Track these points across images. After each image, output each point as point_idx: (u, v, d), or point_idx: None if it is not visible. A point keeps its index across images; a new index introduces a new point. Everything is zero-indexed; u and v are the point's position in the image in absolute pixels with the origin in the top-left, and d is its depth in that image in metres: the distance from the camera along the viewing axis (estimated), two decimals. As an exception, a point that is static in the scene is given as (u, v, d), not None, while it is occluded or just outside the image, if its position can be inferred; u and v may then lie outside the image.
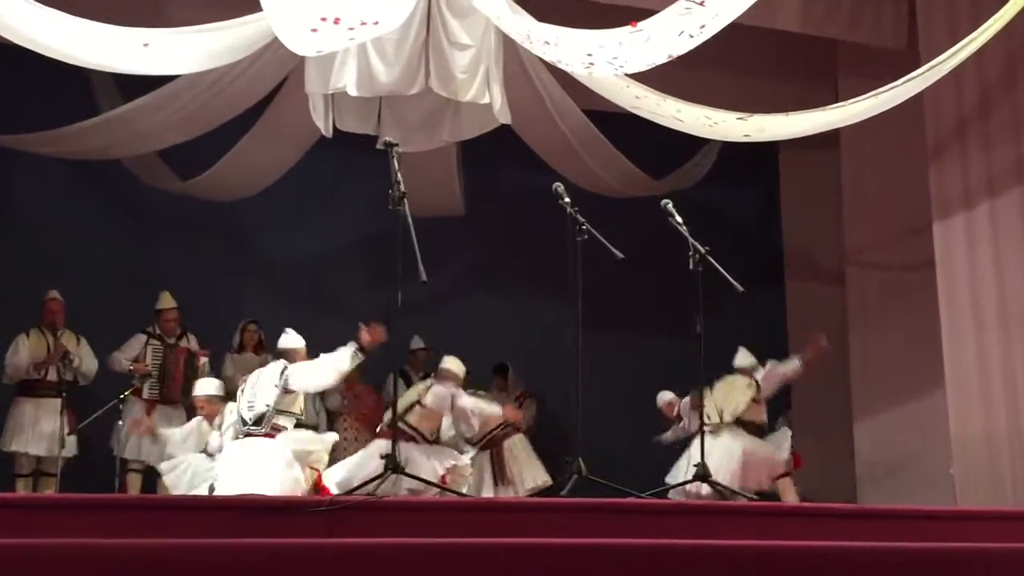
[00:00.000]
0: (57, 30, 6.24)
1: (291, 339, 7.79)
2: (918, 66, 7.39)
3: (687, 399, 8.82)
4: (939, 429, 8.18)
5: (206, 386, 7.97)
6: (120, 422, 8.46)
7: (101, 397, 8.43)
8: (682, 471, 8.52)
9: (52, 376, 8.36)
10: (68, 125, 8.60)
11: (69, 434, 8.17)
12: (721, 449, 8.53)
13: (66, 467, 8.16)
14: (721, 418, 8.77)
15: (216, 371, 8.90)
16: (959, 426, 7.95)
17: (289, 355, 7.62)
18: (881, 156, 9.38)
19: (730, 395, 8.88)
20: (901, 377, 9.01)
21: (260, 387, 7.29)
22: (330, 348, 8.74)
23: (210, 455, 7.45)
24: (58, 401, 8.13)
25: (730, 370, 9.04)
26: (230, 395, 7.79)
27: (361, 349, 7.04)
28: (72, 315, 8.74)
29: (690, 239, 6.74)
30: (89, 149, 8.87)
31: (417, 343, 9.77)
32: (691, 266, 6.69)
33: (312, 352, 7.71)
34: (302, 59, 7.40)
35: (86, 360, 8.54)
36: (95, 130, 8.64)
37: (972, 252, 8.09)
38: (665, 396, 9.13)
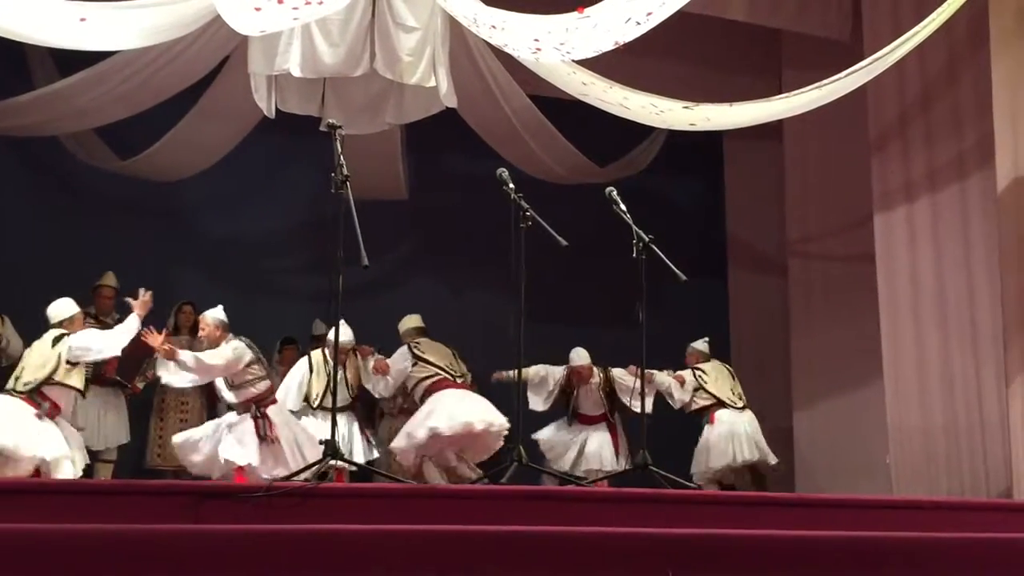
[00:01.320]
0: (-10, 2, 6.09)
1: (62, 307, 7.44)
2: (862, 59, 7.44)
3: (671, 374, 9.03)
4: (877, 419, 8.27)
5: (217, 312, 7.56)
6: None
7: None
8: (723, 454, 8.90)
9: None
10: (2, 100, 8.40)
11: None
12: (752, 424, 9.04)
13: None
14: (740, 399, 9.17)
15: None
16: (896, 417, 8.05)
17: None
18: (824, 148, 9.46)
19: (734, 382, 9.26)
20: (840, 368, 9.10)
21: None
22: (269, 331, 8.69)
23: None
24: None
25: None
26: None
27: None
28: (8, 296, 8.55)
29: (634, 227, 6.74)
30: (24, 125, 8.68)
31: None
32: (634, 254, 6.69)
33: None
34: (245, 38, 7.28)
35: (12, 341, 8.34)
36: (30, 105, 8.45)
37: (912, 245, 8.18)
38: (584, 356, 9.14)
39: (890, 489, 7.94)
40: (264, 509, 4.71)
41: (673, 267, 6.73)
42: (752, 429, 9.03)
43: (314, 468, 5.74)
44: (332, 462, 5.76)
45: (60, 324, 7.25)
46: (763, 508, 5.80)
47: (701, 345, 9.40)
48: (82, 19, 6.36)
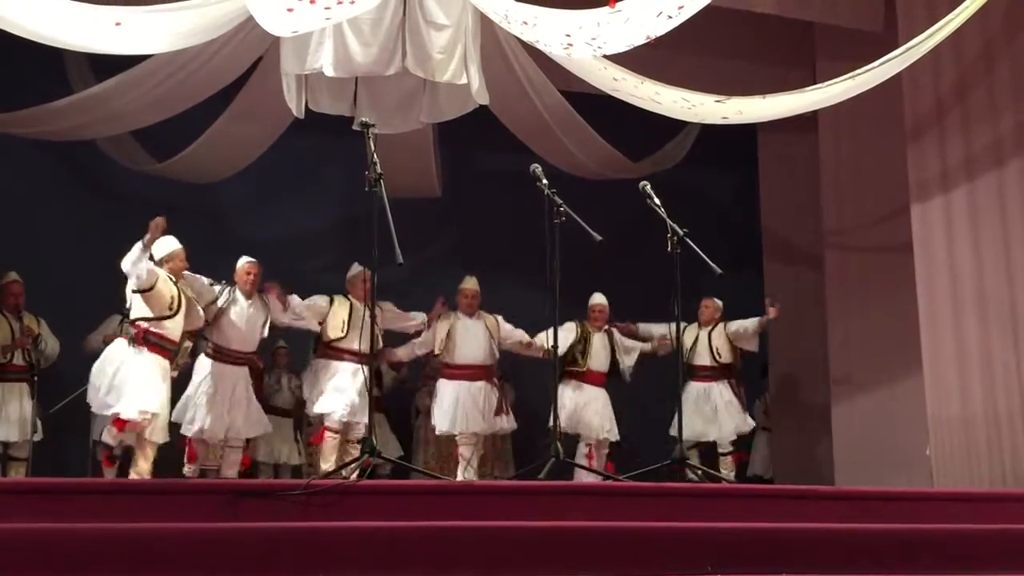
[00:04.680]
0: (27, 8, 6.14)
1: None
2: (896, 49, 7.37)
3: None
4: (916, 411, 8.20)
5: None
6: (93, 407, 8.37)
7: (68, 381, 8.33)
8: None
9: (18, 360, 8.22)
10: (40, 105, 8.49)
11: (43, 418, 8.10)
12: None
13: (32, 452, 8.08)
14: None
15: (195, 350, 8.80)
16: (936, 408, 7.96)
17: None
18: (859, 139, 9.38)
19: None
20: (879, 359, 9.03)
21: None
22: (304, 330, 8.72)
23: None
24: (24, 385, 8.04)
25: None
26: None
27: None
28: (48, 298, 8.65)
29: (668, 221, 6.73)
30: (62, 129, 8.77)
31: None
32: (669, 248, 6.68)
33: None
34: (278, 39, 7.32)
35: (49, 342, 8.44)
36: (68, 110, 8.54)
37: (950, 234, 8.09)
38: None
39: (931, 481, 7.87)
40: (302, 506, 4.74)
41: (708, 260, 6.72)
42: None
43: (353, 465, 5.78)
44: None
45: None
46: (803, 502, 5.77)
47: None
48: (117, 23, 6.42)
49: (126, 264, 7.30)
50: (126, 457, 7.97)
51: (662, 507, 5.30)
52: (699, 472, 7.42)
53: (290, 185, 10.46)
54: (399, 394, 10.09)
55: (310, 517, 4.71)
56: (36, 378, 8.06)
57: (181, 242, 9.64)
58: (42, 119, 8.59)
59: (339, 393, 8.15)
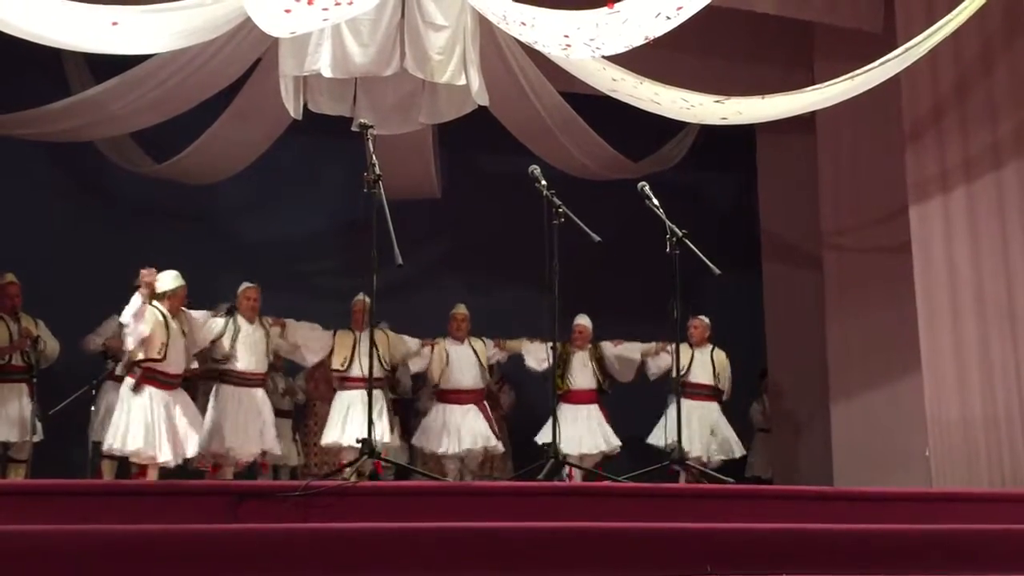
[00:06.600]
0: (23, 8, 6.13)
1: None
2: (894, 50, 7.38)
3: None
4: (915, 412, 8.20)
5: None
6: (93, 407, 8.38)
7: (67, 382, 8.33)
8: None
9: (17, 361, 8.21)
10: (38, 107, 8.48)
11: (43, 419, 8.09)
12: None
13: (32, 453, 8.08)
14: None
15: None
16: (935, 409, 7.97)
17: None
18: (858, 140, 9.38)
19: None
20: (878, 360, 9.02)
21: None
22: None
23: None
24: (23, 386, 8.04)
25: None
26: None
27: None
28: (44, 300, 8.64)
29: (667, 222, 6.74)
30: (60, 131, 8.76)
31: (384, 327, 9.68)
32: (668, 249, 6.68)
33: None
34: (276, 40, 7.31)
35: (49, 343, 8.44)
36: (66, 112, 8.53)
37: (948, 235, 8.10)
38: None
39: (929, 482, 7.87)
40: (302, 508, 4.74)
41: (707, 261, 6.72)
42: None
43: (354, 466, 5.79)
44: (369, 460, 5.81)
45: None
46: (802, 502, 5.78)
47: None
48: (114, 23, 6.40)
49: (126, 316, 7.52)
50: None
51: (661, 508, 5.31)
52: (698, 473, 7.42)
53: (289, 187, 10.46)
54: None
55: (310, 518, 4.71)
56: (35, 379, 8.05)
57: (178, 243, 9.71)
58: (40, 121, 8.58)
59: (350, 424, 8.32)
